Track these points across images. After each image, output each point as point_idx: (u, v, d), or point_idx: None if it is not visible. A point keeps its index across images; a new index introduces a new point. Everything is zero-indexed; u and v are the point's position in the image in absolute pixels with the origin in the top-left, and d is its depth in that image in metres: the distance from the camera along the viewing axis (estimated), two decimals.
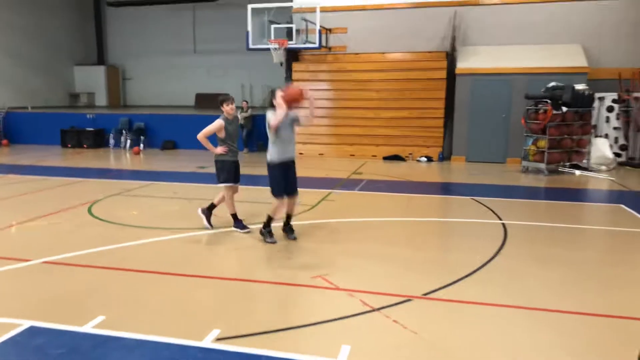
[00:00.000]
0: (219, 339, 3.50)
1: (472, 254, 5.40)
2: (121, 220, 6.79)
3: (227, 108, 5.94)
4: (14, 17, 20.99)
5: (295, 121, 5.65)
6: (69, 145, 16.06)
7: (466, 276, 4.76)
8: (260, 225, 5.95)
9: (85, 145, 15.87)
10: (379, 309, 4.02)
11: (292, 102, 5.42)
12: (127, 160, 13.49)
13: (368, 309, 4.03)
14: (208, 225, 6.27)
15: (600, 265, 5.33)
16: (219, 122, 5.93)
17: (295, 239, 5.90)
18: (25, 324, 3.68)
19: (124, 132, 15.73)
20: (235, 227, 6.23)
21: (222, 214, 6.60)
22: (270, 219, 5.80)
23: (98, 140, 16.01)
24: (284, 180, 5.64)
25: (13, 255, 5.23)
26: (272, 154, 5.61)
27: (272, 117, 5.39)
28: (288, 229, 5.99)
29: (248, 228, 6.22)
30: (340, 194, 8.77)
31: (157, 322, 3.77)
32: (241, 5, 22.44)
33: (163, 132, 15.94)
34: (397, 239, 6.12)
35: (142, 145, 15.31)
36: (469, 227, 6.72)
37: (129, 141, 15.60)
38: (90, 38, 25.99)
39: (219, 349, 3.38)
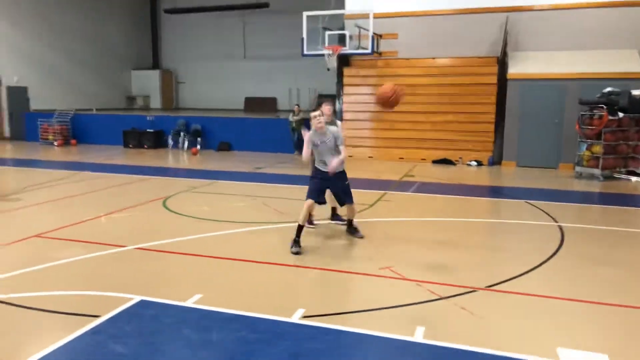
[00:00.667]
0: (305, 317, 3.93)
1: (530, 252, 5.64)
2: (195, 214, 7.37)
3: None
4: (77, 23, 22.42)
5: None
6: (131, 146, 17.04)
7: (527, 272, 5.02)
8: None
9: (145, 146, 16.80)
10: (446, 297, 4.36)
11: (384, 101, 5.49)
12: (186, 160, 14.26)
13: (436, 297, 4.37)
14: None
15: None
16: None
17: (362, 237, 6.20)
18: (136, 298, 4.22)
19: (181, 133, 16.57)
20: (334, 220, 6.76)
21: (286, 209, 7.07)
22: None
23: (157, 141, 16.92)
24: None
25: (109, 242, 5.85)
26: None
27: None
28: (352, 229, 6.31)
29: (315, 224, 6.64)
30: (395, 195, 9.11)
31: (248, 301, 4.23)
32: (289, 12, 23.19)
33: (219, 134, 16.67)
34: (456, 236, 6.42)
35: (198, 146, 16.09)
36: (525, 228, 6.94)
37: (186, 142, 16.43)
38: (146, 43, 27.33)
39: (307, 325, 3.80)
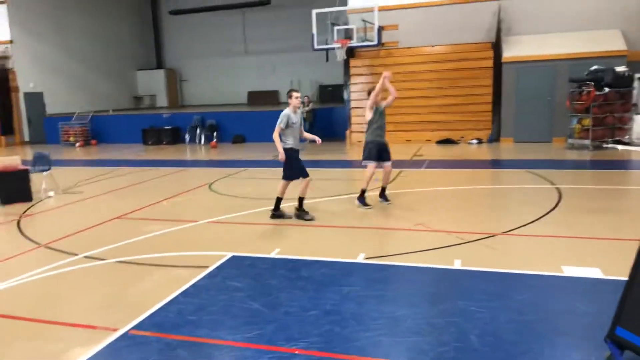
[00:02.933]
0: (366, 258, 5.08)
1: (534, 208, 6.80)
2: (242, 195, 8.48)
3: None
4: (84, 26, 23.23)
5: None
6: (150, 143, 18.05)
7: (534, 221, 6.20)
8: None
9: (164, 142, 17.83)
10: (472, 241, 5.52)
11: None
12: (208, 152, 15.31)
13: (464, 241, 5.53)
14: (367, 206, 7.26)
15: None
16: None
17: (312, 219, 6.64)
18: (228, 254, 5.34)
19: (198, 129, 17.61)
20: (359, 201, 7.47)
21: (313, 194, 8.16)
22: (301, 199, 6.71)
23: (175, 137, 17.95)
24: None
25: (183, 219, 6.96)
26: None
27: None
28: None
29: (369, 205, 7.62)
30: (410, 172, 10.25)
31: (321, 251, 5.37)
32: (287, 6, 24.16)
33: (232, 127, 17.72)
34: (469, 200, 7.59)
35: (215, 140, 17.13)
36: (528, 190, 8.11)
37: (203, 137, 17.48)
38: (149, 44, 28.17)
39: (370, 263, 4.95)
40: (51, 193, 9.11)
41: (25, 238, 6.35)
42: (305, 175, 6.65)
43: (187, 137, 17.80)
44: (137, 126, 18.70)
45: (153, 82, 27.45)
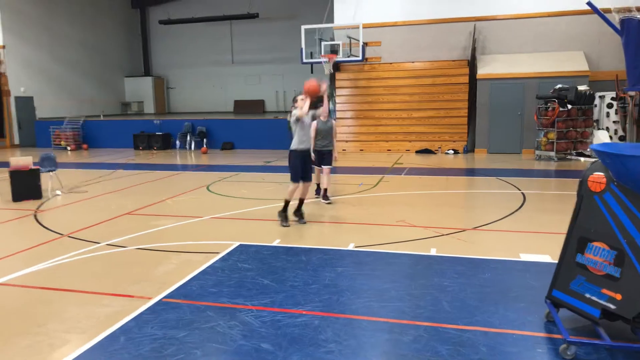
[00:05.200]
0: (356, 246, 5.92)
1: (501, 208, 7.75)
2: (238, 195, 9.25)
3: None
4: (75, 34, 23.78)
5: (313, 116, 7.44)
6: (141, 148, 18.64)
7: (500, 219, 7.13)
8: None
9: (155, 148, 18.44)
10: (447, 234, 6.41)
11: (311, 92, 6.68)
12: (199, 158, 16.01)
13: (439, 234, 6.41)
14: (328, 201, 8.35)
15: None
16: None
17: (304, 223, 7.06)
18: (235, 243, 6.12)
19: (188, 135, 18.29)
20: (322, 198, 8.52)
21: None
22: (287, 203, 6.94)
23: (166, 142, 18.59)
24: (301, 167, 6.92)
25: (188, 214, 7.70)
26: (294, 143, 6.89)
27: (298, 111, 6.85)
28: (299, 213, 7.15)
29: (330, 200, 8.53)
30: (392, 177, 11.15)
31: (316, 241, 6.19)
32: (275, 18, 25.10)
33: (221, 134, 18.45)
34: (445, 201, 8.51)
35: (205, 146, 17.83)
36: (497, 194, 9.08)
37: (193, 143, 18.16)
38: (138, 52, 28.77)
39: (359, 250, 5.79)
40: (58, 192, 9.73)
41: (47, 229, 7.01)
42: (307, 179, 7.04)
43: (177, 143, 18.45)
44: (127, 131, 19.28)
45: (140, 89, 28.02)
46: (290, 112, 16.74)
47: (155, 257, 5.74)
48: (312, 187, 8.45)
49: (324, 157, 8.26)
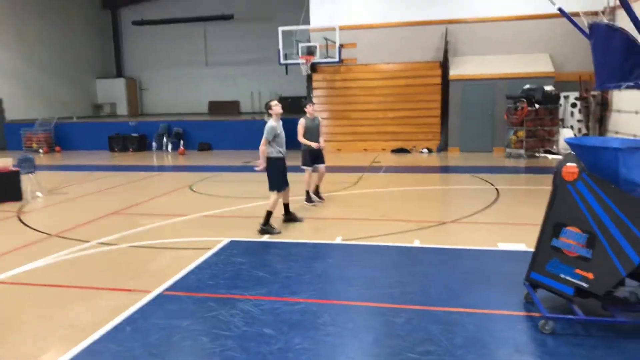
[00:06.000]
0: (343, 240, 6.17)
1: (476, 203, 8.14)
2: (222, 194, 9.38)
3: (310, 109, 8.33)
4: (45, 34, 23.32)
5: None
6: (116, 150, 18.46)
7: (475, 213, 7.51)
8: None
9: (130, 149, 18.29)
10: (427, 227, 6.74)
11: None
12: (177, 159, 16.01)
13: (421, 227, 6.73)
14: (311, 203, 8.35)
15: None
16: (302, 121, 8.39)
17: (302, 220, 7.21)
18: (226, 239, 6.29)
19: (164, 136, 18.23)
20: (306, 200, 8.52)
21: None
22: (269, 214, 6.66)
23: (141, 144, 18.47)
24: (283, 174, 6.86)
25: (175, 213, 7.82)
26: (272, 151, 6.78)
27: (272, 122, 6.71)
28: (290, 217, 7.20)
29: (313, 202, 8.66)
30: (371, 175, 11.47)
31: (304, 236, 6.42)
32: (249, 19, 25.20)
33: (198, 135, 18.45)
34: (423, 197, 8.86)
35: (182, 147, 17.81)
36: (471, 190, 9.49)
37: (169, 144, 18.12)
38: (110, 53, 28.38)
39: (346, 243, 6.05)
40: (39, 193, 9.67)
41: (33, 230, 7.03)
42: (287, 185, 7.00)
43: (154, 144, 18.36)
44: (102, 133, 19.05)
45: (113, 91, 27.62)
46: (267, 112, 16.94)
47: (149, 254, 5.86)
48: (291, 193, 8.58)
49: (317, 156, 8.36)
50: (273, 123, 6.73)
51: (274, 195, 6.71)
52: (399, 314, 4.05)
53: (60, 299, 4.55)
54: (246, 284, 4.78)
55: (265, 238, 6.35)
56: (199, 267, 5.27)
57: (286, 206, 7.23)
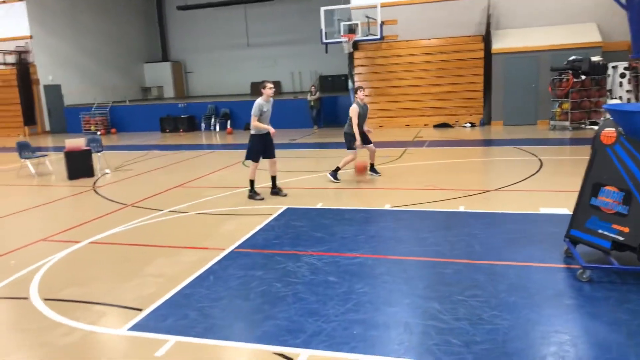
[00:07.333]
0: (392, 207, 6.64)
1: (519, 172, 8.40)
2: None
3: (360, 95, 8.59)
4: (96, 23, 24.47)
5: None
6: (167, 131, 19.44)
7: (519, 181, 7.80)
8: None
9: (181, 130, 19.22)
10: (472, 195, 7.10)
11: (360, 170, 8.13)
12: (225, 138, 16.76)
13: (466, 194, 7.10)
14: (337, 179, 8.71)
15: None
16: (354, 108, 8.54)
17: (285, 195, 7.54)
18: (283, 207, 6.87)
19: (212, 117, 19.03)
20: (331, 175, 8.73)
21: None
22: (252, 182, 7.48)
23: (191, 124, 19.36)
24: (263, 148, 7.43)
25: (233, 186, 8.47)
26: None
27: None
28: (276, 190, 7.66)
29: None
30: (414, 149, 11.81)
31: (355, 204, 6.92)
32: (287, 1, 25.52)
33: (244, 115, 19.11)
34: (467, 168, 9.18)
35: (229, 127, 18.57)
36: (515, 161, 9.71)
37: (217, 124, 18.91)
38: (156, 38, 29.42)
39: (396, 210, 6.52)
40: (107, 170, 10.56)
41: (111, 201, 7.83)
42: (271, 156, 7.49)
43: (202, 124, 19.20)
44: (153, 115, 20.07)
45: (160, 75, 28.73)
46: (311, 92, 17.37)
47: (216, 220, 6.52)
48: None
49: (366, 136, 8.53)
50: (261, 101, 7.29)
51: (252, 165, 7.46)
52: (447, 267, 4.51)
53: (146, 255, 5.24)
54: (307, 242, 5.34)
55: (319, 205, 6.89)
56: (262, 230, 5.87)
57: (273, 179, 7.67)
